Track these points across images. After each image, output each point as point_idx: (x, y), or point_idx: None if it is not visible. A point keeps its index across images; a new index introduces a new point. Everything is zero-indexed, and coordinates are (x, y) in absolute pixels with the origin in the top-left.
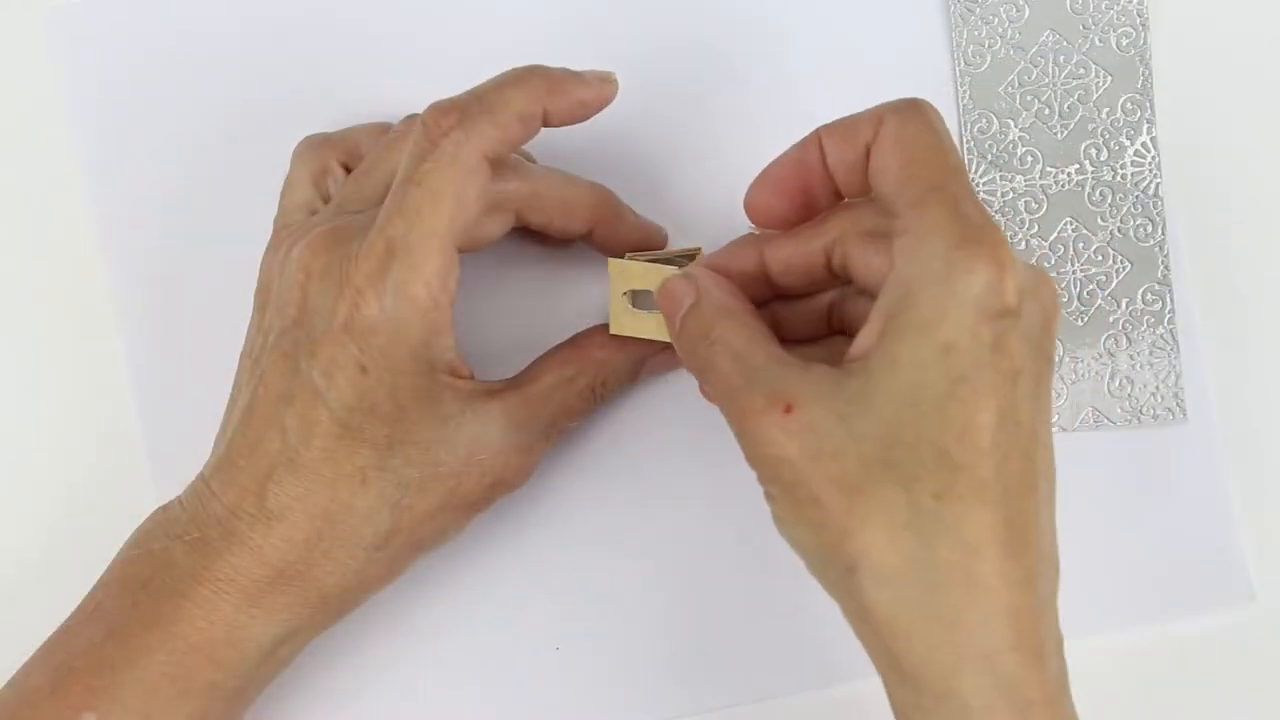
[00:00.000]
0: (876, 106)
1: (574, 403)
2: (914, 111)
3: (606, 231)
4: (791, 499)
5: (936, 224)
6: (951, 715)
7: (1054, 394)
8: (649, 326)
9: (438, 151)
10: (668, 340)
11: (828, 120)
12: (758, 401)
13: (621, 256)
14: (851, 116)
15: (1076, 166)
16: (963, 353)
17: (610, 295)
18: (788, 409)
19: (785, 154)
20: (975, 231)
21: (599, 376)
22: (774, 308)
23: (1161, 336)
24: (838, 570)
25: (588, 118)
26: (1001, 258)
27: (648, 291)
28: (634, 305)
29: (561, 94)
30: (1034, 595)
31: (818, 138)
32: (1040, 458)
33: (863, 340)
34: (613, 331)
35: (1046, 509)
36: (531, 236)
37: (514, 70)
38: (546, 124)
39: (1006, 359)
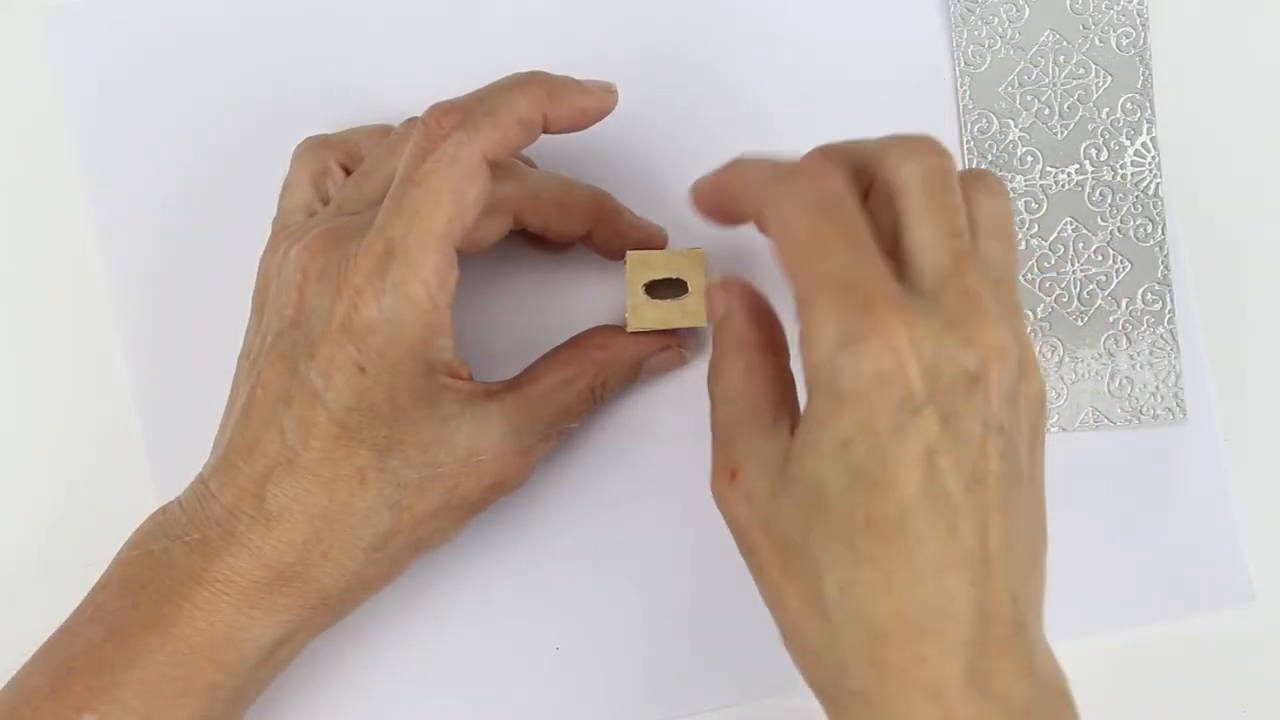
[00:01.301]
0: (776, 172)
1: (573, 404)
2: (793, 183)
3: (606, 232)
4: (744, 552)
5: (818, 323)
6: None
7: (1055, 394)
8: (672, 315)
9: (438, 152)
10: (690, 326)
11: (826, 120)
12: (718, 459)
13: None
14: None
15: (1076, 166)
16: (859, 446)
17: (628, 290)
18: (733, 475)
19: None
20: (861, 323)
21: (598, 377)
22: None
23: (1161, 336)
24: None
25: (587, 126)
26: (894, 343)
27: (667, 281)
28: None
29: (562, 101)
30: (962, 669)
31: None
32: (970, 527)
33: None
34: (631, 329)
35: (968, 573)
36: (530, 241)
37: (516, 75)
38: (546, 130)
39: (915, 442)
